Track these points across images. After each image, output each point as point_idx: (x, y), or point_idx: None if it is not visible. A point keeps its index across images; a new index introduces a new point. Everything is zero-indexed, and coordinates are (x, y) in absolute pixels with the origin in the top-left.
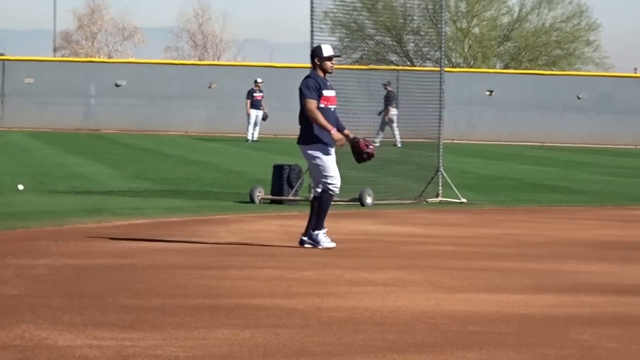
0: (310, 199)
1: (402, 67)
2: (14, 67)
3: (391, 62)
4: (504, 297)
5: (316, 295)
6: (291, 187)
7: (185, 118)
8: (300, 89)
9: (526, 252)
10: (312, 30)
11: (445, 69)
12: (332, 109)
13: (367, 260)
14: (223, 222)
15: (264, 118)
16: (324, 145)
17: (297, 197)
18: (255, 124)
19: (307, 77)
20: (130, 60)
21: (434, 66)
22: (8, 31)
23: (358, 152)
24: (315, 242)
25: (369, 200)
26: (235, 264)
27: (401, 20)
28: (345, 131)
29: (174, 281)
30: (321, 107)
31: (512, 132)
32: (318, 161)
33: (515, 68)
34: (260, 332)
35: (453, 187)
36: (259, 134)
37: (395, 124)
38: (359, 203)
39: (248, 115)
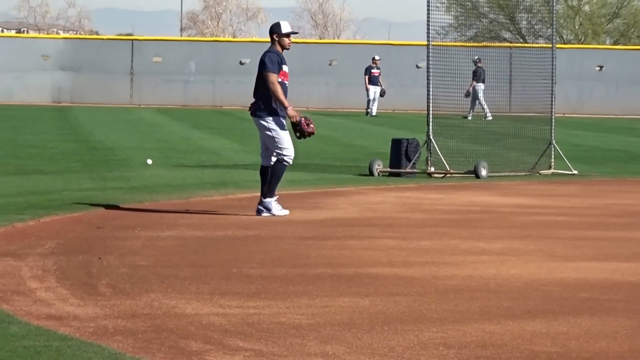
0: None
1: (516, 44)
2: (143, 47)
3: (504, 40)
4: (613, 265)
5: (433, 264)
6: (409, 160)
7: (307, 94)
8: (264, 62)
9: (635, 222)
10: (428, 9)
11: (557, 45)
12: (286, 84)
13: (482, 230)
14: (343, 194)
15: (382, 94)
16: (279, 117)
17: (415, 170)
18: (374, 99)
19: (268, 51)
20: (254, 39)
21: (546, 43)
22: (137, 12)
23: (299, 130)
24: (267, 209)
25: (483, 172)
26: (355, 235)
27: None
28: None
29: (296, 251)
30: (279, 82)
31: (620, 106)
32: (274, 133)
33: (624, 44)
34: (379, 300)
35: (565, 159)
36: (377, 109)
37: (481, 98)
38: (474, 175)
39: (367, 91)
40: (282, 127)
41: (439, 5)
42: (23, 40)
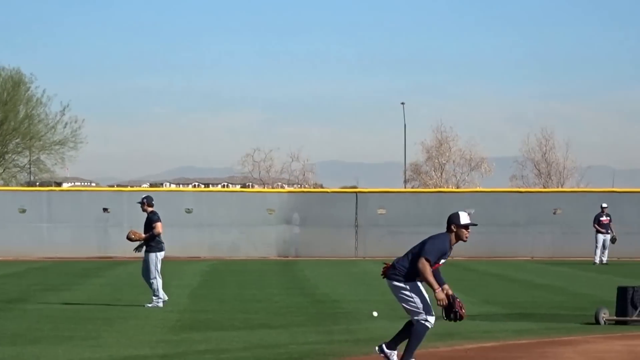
0: None
1: None
2: (367, 199)
3: None
4: None
5: None
6: (635, 307)
7: (531, 243)
8: (425, 244)
9: None
10: None
11: None
12: (438, 269)
13: None
14: (569, 343)
15: (612, 240)
16: (416, 282)
17: None
18: (604, 247)
19: (440, 237)
20: (478, 189)
21: None
22: (360, 164)
23: (450, 309)
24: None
25: None
26: None
27: None
28: (445, 285)
29: None
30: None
31: None
32: (411, 297)
33: None
34: None
35: None
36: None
37: None
38: None
39: (596, 239)
40: (418, 291)
41: None
42: (248, 194)
